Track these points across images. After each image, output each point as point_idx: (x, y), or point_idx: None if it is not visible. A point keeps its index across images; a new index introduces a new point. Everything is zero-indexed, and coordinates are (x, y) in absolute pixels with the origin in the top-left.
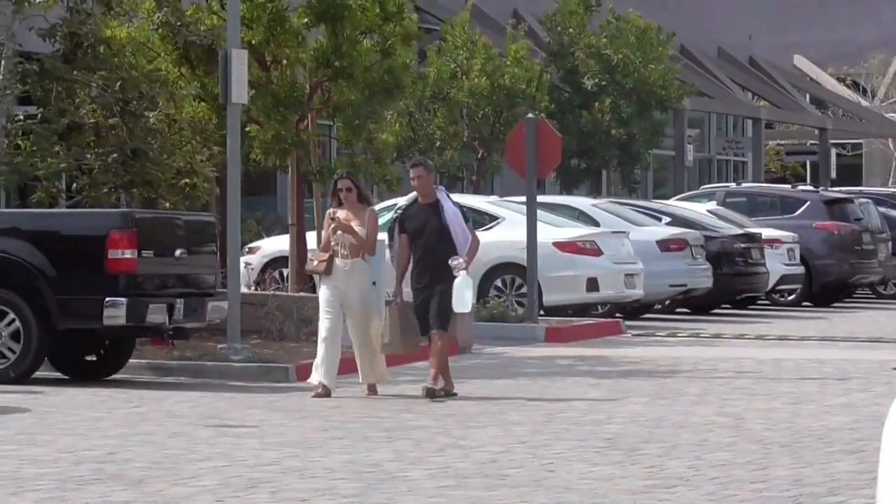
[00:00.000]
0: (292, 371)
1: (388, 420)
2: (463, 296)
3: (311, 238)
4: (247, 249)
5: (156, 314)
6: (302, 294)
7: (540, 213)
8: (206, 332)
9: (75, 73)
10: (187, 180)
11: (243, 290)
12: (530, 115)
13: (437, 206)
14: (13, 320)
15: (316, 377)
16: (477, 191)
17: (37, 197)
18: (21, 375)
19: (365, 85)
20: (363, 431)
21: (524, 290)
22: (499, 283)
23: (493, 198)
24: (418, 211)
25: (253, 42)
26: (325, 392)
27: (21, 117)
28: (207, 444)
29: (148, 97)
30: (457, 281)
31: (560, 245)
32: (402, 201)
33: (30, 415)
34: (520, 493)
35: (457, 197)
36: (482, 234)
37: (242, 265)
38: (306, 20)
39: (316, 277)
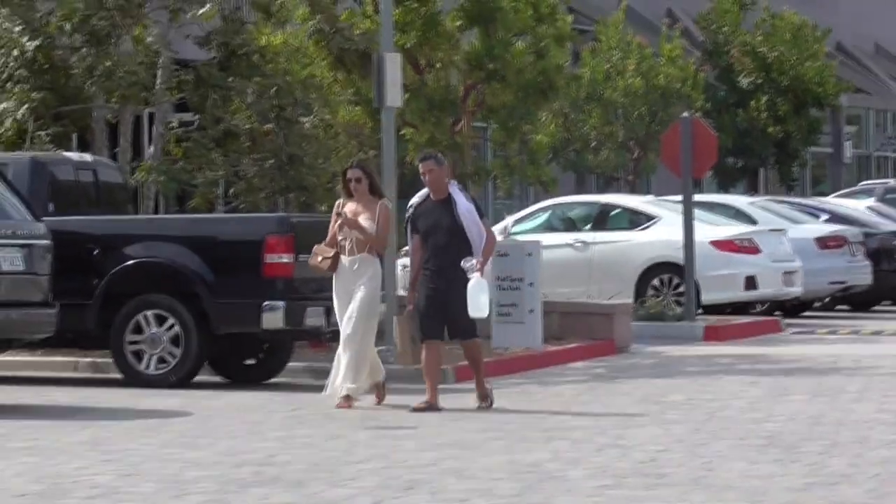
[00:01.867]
0: (450, 372)
1: (545, 420)
2: (477, 300)
3: None
4: (404, 252)
5: (313, 317)
6: None
7: (697, 211)
8: None
9: (231, 80)
10: None
11: (401, 292)
12: (685, 114)
13: (449, 201)
14: (173, 325)
15: (334, 387)
16: (633, 190)
17: (194, 203)
18: (181, 379)
19: (518, 86)
20: (521, 432)
21: (682, 289)
22: (656, 282)
23: (650, 197)
24: (430, 208)
25: (406, 46)
26: (349, 404)
27: (175, 124)
28: (366, 445)
29: (303, 103)
30: (470, 284)
31: (717, 244)
32: (414, 199)
33: (191, 418)
34: (679, 492)
35: (613, 197)
36: (639, 234)
37: (400, 267)
38: (459, 23)
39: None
